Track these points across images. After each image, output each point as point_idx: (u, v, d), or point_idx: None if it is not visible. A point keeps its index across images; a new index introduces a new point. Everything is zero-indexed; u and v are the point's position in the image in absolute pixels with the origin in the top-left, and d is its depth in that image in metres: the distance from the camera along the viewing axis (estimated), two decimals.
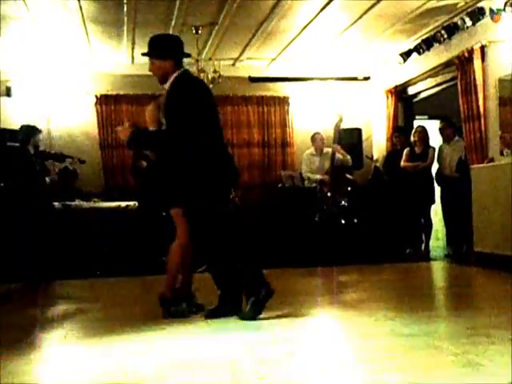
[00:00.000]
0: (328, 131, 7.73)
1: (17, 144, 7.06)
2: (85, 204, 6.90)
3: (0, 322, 3.81)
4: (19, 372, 2.65)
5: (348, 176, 7.38)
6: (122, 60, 7.80)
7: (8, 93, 7.75)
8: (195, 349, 2.98)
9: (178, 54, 3.74)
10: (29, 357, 2.90)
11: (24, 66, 7.70)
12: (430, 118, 8.49)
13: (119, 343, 3.15)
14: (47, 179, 6.47)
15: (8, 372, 2.63)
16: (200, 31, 6.68)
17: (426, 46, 7.16)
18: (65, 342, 3.33)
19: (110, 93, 8.05)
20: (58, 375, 2.69)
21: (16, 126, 7.47)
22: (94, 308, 4.40)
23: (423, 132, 7.16)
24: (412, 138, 7.22)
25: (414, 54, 7.46)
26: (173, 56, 3.68)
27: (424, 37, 7.13)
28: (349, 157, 7.40)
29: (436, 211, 7.50)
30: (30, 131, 6.79)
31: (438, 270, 6.54)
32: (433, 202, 7.18)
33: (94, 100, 8.01)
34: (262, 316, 3.57)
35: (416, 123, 7.87)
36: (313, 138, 7.69)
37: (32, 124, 7.01)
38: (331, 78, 8.59)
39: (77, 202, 6.83)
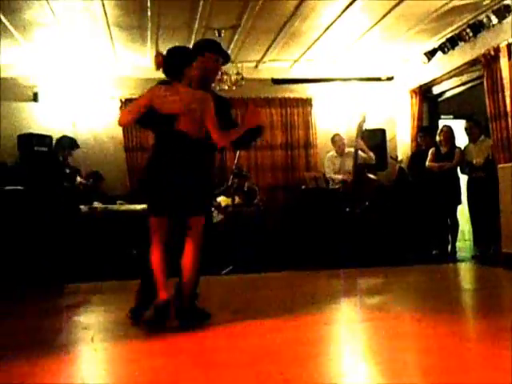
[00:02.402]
0: (351, 132, 7.69)
1: (44, 149, 7.23)
2: (111, 207, 6.96)
3: (27, 325, 3.87)
4: (48, 372, 2.69)
5: (371, 176, 7.33)
6: (145, 64, 7.86)
7: (35, 98, 7.89)
8: (219, 350, 2.99)
9: None
10: (58, 358, 2.94)
11: (50, 72, 7.83)
12: (456, 117, 8.38)
13: (144, 344, 3.17)
14: (79, 179, 6.63)
15: (37, 373, 2.68)
16: (223, 34, 6.71)
17: (450, 44, 7.07)
18: (91, 344, 3.36)
19: (134, 97, 8.12)
20: (85, 376, 2.73)
21: (43, 131, 7.64)
22: (120, 310, 4.43)
23: (449, 132, 7.08)
24: (438, 138, 7.15)
25: (439, 53, 7.38)
26: None
27: (449, 35, 7.05)
28: (372, 153, 7.34)
29: (462, 212, 7.39)
30: (69, 144, 7.05)
31: (465, 272, 6.45)
32: (459, 202, 7.08)
33: (119, 104, 8.10)
34: (285, 317, 3.56)
35: (441, 123, 7.78)
36: (333, 140, 7.67)
37: (70, 136, 7.23)
38: (354, 79, 8.55)
39: (99, 205, 6.90)
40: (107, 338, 3.47)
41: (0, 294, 5.20)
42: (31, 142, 7.28)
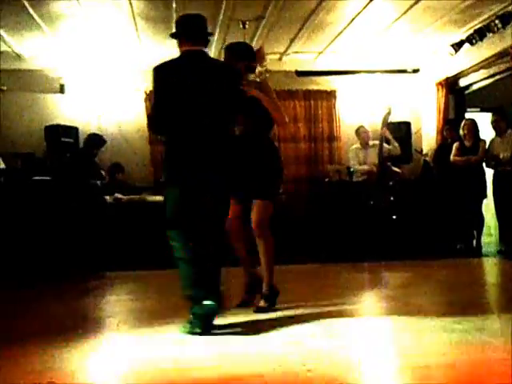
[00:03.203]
0: (376, 125, 7.63)
1: (70, 140, 7.34)
2: (135, 197, 7.03)
3: (52, 311, 3.96)
4: (75, 358, 2.75)
5: (395, 169, 7.27)
6: (170, 56, 7.89)
7: (62, 90, 8.00)
8: (242, 340, 3.01)
9: None
10: (83, 345, 3.00)
11: (76, 64, 7.93)
12: (483, 110, 8.26)
13: (169, 332, 3.21)
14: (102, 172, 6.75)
15: (65, 358, 2.74)
16: (247, 25, 6.72)
17: (478, 36, 6.96)
18: (117, 331, 3.42)
19: None
20: (110, 361, 2.78)
21: (69, 122, 7.75)
22: (145, 299, 4.50)
23: (472, 125, 6.98)
24: (461, 132, 7.05)
25: (466, 45, 7.26)
26: None
27: (477, 27, 6.94)
28: (397, 144, 7.28)
29: (488, 206, 7.30)
30: (97, 141, 7.17)
31: (490, 266, 6.37)
32: (484, 196, 6.99)
33: (144, 96, 8.16)
34: (309, 309, 3.57)
35: (468, 116, 7.68)
36: (357, 132, 7.63)
37: (100, 134, 7.34)
38: (379, 71, 8.47)
39: (123, 196, 6.98)
40: (132, 326, 3.52)
41: (26, 281, 5.32)
42: (58, 133, 7.40)
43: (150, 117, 3.96)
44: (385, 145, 7.21)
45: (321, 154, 8.53)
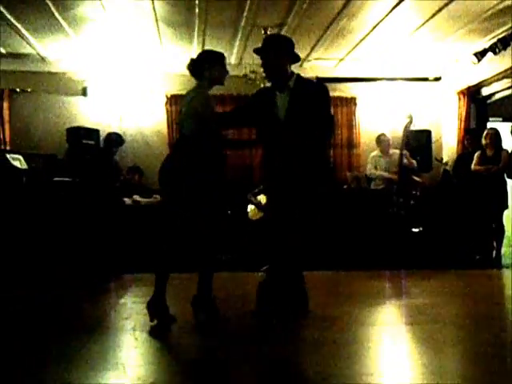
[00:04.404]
0: (396, 132, 7.59)
1: (92, 142, 7.42)
2: (153, 200, 7.08)
3: (70, 312, 4.00)
4: (93, 357, 2.78)
5: (416, 178, 7.22)
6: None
7: (84, 92, 8.09)
8: (256, 347, 3.01)
9: None
10: (98, 345, 3.03)
11: (99, 67, 8.02)
12: (505, 119, 8.16)
13: (185, 335, 3.22)
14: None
15: (88, 357, 2.76)
16: (269, 32, 6.72)
17: (502, 45, 6.88)
18: (132, 333, 3.44)
19: (180, 93, 8.22)
20: (125, 363, 2.80)
21: (91, 125, 7.84)
22: None
23: (494, 134, 6.91)
24: (483, 141, 6.98)
25: (489, 54, 7.19)
26: None
27: (500, 36, 6.87)
28: (414, 162, 7.27)
29: (509, 217, 7.20)
30: (117, 140, 7.24)
31: (509, 278, 6.28)
32: (506, 207, 6.91)
33: (165, 100, 8.22)
34: (327, 317, 3.55)
35: (489, 125, 7.60)
36: (378, 140, 7.59)
37: (119, 133, 7.41)
38: (400, 79, 8.43)
39: (141, 198, 7.03)
40: (147, 329, 3.54)
41: (46, 281, 5.37)
42: (79, 135, 7.49)
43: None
44: (404, 159, 7.17)
45: (340, 161, 8.50)
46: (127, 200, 6.87)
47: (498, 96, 7.65)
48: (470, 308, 4.17)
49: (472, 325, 3.43)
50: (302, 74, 3.99)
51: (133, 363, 2.77)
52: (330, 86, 8.23)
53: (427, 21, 6.45)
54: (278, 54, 3.77)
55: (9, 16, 6.25)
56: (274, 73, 3.81)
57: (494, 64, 7.24)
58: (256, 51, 3.89)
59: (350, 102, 8.55)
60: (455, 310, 4.13)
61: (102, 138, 7.71)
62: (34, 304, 4.34)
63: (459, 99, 8.08)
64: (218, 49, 3.96)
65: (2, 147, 7.63)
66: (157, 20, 6.44)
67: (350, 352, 2.86)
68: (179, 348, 2.99)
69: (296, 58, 3.86)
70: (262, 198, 7.26)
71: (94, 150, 7.47)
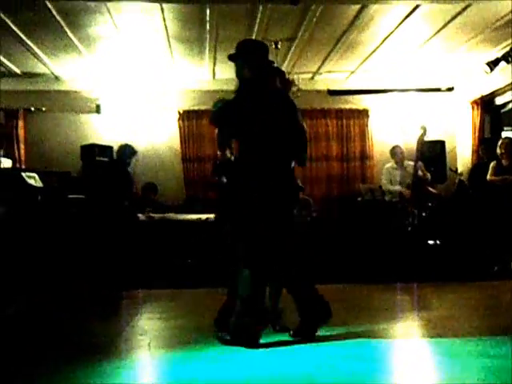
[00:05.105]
0: (409, 144, 7.55)
1: (106, 159, 7.47)
2: (167, 216, 7.09)
3: (84, 329, 3.99)
4: (107, 375, 2.76)
5: (431, 189, 7.17)
6: (203, 76, 8.02)
7: (98, 110, 8.18)
8: (273, 363, 2.98)
9: None
10: (115, 362, 3.01)
11: (112, 85, 8.11)
12: None
13: (199, 351, 3.20)
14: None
15: (97, 375, 2.75)
16: (279, 46, 6.76)
17: None
18: (148, 351, 3.42)
19: (192, 108, 8.28)
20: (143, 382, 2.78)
21: (105, 142, 7.90)
22: (176, 318, 4.50)
23: (509, 143, 6.83)
24: (498, 151, 6.91)
25: (502, 63, 7.12)
26: None
27: None
28: (428, 174, 7.22)
29: None
30: (129, 151, 7.29)
31: None
32: None
33: (177, 116, 8.27)
34: (342, 331, 3.52)
35: (504, 135, 7.54)
36: (392, 152, 7.55)
37: (131, 145, 7.45)
38: (413, 90, 8.41)
39: (155, 214, 7.05)
40: (163, 345, 3.52)
41: (61, 297, 5.38)
42: (93, 152, 7.54)
43: None
44: (419, 171, 7.13)
45: (353, 173, 8.47)
46: (141, 216, 6.89)
47: (511, 105, 7.59)
48: (488, 320, 4.09)
49: (491, 338, 3.36)
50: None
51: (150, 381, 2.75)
52: (342, 98, 8.47)
53: (438, 31, 6.44)
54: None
55: (23, 36, 6.34)
56: None
57: (507, 73, 7.19)
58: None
59: (363, 113, 8.54)
60: (473, 323, 4.05)
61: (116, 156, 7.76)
62: (49, 320, 4.34)
63: (473, 109, 8.04)
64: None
65: (18, 166, 7.70)
66: (168, 36, 6.50)
67: (363, 367, 2.82)
68: (194, 362, 2.97)
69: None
70: None
71: (107, 166, 7.51)
